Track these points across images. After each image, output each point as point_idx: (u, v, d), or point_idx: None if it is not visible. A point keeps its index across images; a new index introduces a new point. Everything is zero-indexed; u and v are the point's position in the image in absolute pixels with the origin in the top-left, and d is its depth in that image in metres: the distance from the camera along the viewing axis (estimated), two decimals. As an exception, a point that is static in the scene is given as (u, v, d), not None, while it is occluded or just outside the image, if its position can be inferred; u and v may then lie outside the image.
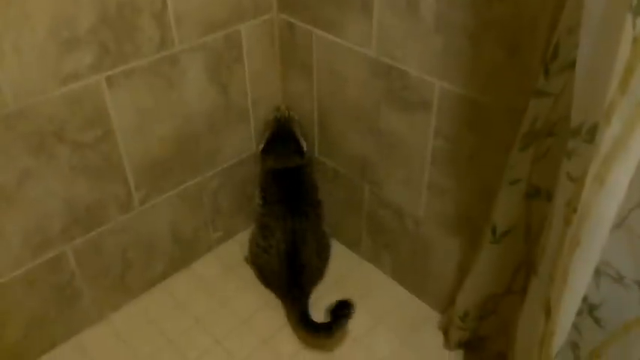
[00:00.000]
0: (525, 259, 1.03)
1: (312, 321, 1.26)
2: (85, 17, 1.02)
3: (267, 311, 1.37)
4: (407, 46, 1.08)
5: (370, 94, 1.22)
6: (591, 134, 0.68)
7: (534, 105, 0.84)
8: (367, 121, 1.26)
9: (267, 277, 1.42)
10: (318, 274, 1.43)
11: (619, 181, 0.65)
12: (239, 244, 1.55)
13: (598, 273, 0.79)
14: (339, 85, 1.28)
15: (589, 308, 0.84)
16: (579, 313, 0.83)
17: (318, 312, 1.28)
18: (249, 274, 1.46)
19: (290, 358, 1.27)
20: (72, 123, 1.09)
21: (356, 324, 1.32)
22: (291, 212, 1.33)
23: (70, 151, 1.11)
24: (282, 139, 1.37)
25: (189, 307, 1.38)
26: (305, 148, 1.37)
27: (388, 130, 1.23)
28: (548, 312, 0.82)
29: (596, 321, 0.84)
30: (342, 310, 1.22)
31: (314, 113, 1.40)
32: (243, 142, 1.45)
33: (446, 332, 1.29)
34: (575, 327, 0.86)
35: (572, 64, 0.73)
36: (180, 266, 1.48)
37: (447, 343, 1.28)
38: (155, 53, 1.15)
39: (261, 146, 1.37)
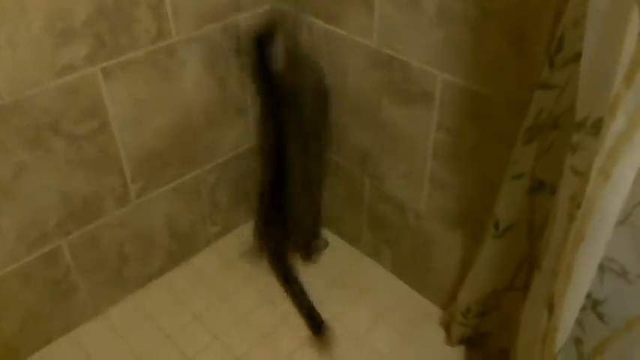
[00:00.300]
0: (528, 254, 1.02)
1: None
2: (81, 9, 1.01)
3: (267, 307, 1.36)
4: (409, 37, 1.07)
5: (371, 86, 1.20)
6: (596, 128, 0.67)
7: (539, 97, 0.82)
8: (368, 114, 1.25)
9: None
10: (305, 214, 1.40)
11: (624, 176, 0.64)
12: (237, 239, 1.53)
13: (602, 268, 0.78)
14: (340, 78, 1.26)
15: (593, 304, 0.83)
16: (583, 309, 0.82)
17: (316, 305, 1.27)
18: (248, 269, 1.45)
19: (289, 355, 1.25)
20: (68, 115, 1.08)
21: (356, 320, 1.32)
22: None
23: (66, 143, 1.10)
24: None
25: (187, 303, 1.37)
26: None
27: (389, 123, 1.21)
28: (551, 308, 0.80)
29: (600, 317, 0.82)
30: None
31: (314, 106, 1.38)
32: (242, 136, 1.43)
33: (447, 328, 1.28)
34: (579, 323, 0.84)
35: (577, 57, 0.72)
36: (178, 261, 1.46)
37: (449, 340, 1.27)
38: (152, 44, 1.13)
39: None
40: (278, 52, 1.21)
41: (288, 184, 1.29)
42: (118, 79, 1.11)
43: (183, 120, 1.28)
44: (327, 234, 1.56)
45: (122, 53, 1.09)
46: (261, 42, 1.22)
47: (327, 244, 1.50)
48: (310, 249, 1.33)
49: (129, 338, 1.29)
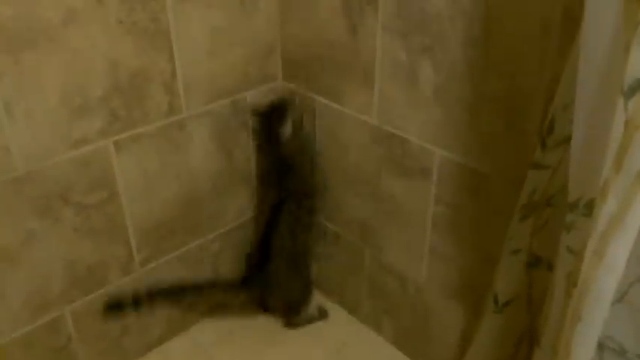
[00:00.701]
0: (528, 329, 1.02)
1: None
2: (97, 86, 1.06)
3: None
4: (407, 115, 1.12)
5: (371, 160, 1.24)
6: (589, 209, 0.69)
7: (532, 177, 0.85)
8: (368, 187, 1.28)
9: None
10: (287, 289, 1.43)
11: (617, 256, 0.66)
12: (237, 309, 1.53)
13: (601, 347, 0.79)
14: (341, 152, 1.31)
15: (594, 383, 0.82)
16: (584, 388, 0.82)
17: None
18: (244, 343, 1.44)
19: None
20: (78, 185, 1.11)
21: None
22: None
23: (75, 212, 1.13)
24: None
25: (185, 373, 1.36)
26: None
27: (389, 196, 1.24)
28: (552, 386, 0.80)
29: (602, 396, 0.82)
30: None
31: (315, 176, 1.42)
32: (245, 206, 1.46)
33: (448, 403, 1.26)
34: (581, 402, 0.84)
35: (567, 139, 0.75)
36: (178, 330, 1.45)
37: (450, 415, 1.25)
38: (163, 119, 1.18)
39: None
40: (284, 128, 1.31)
41: (276, 254, 1.36)
42: (129, 151, 1.16)
43: (190, 191, 1.31)
44: (326, 302, 1.56)
45: (134, 127, 1.14)
46: (270, 118, 1.31)
47: (325, 314, 1.50)
48: (292, 315, 1.40)
49: (126, 410, 1.27)
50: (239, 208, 1.45)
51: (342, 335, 1.46)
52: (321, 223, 1.47)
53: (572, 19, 0.79)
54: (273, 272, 1.37)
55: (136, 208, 1.22)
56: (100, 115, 1.08)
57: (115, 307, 1.26)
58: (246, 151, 1.39)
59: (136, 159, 1.18)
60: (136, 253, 1.27)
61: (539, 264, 0.94)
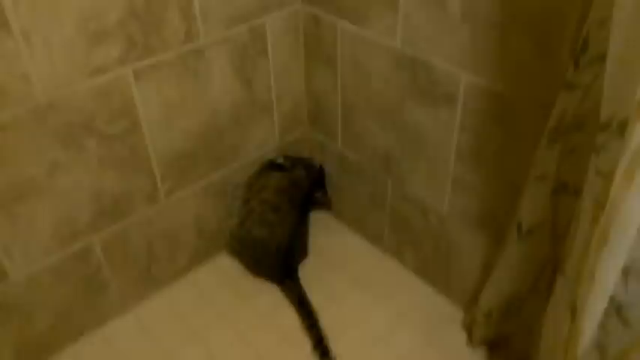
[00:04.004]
0: (551, 257, 1.01)
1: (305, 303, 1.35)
2: (113, 10, 1.04)
3: (289, 308, 1.38)
4: (433, 38, 1.07)
5: (394, 87, 1.21)
6: (621, 128, 0.66)
7: (563, 98, 0.82)
8: (391, 115, 1.25)
9: (255, 262, 1.44)
10: (305, 252, 1.50)
11: (650, 177, 0.63)
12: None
13: (626, 272, 0.77)
14: (363, 79, 1.27)
15: (617, 308, 0.82)
16: (606, 313, 0.81)
17: (337, 305, 1.28)
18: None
19: (312, 354, 1.27)
20: (100, 115, 1.11)
21: (377, 320, 1.32)
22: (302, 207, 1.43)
23: (98, 142, 1.13)
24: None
25: (213, 300, 1.40)
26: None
27: (412, 124, 1.21)
28: (574, 312, 0.80)
29: (624, 322, 0.81)
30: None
31: (338, 107, 1.39)
32: (267, 136, 1.46)
33: (469, 330, 1.28)
34: (602, 327, 0.84)
35: (602, 57, 0.71)
36: (205, 259, 1.49)
37: (470, 341, 1.27)
38: (181, 46, 1.16)
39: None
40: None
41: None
42: (148, 80, 1.14)
43: (211, 121, 1.31)
44: (349, 234, 1.57)
45: (153, 55, 1.12)
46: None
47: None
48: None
49: (156, 334, 1.32)
50: (261, 139, 1.45)
51: (364, 265, 1.48)
52: (344, 153, 1.46)
53: None
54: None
55: (158, 138, 1.22)
56: (117, 42, 1.07)
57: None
58: (266, 80, 1.37)
59: (156, 88, 1.17)
60: (160, 184, 1.28)
61: (565, 190, 0.92)
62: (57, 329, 1.26)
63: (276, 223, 1.37)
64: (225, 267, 1.49)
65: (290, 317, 1.35)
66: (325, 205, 1.59)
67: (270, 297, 1.40)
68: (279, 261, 1.39)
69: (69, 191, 1.14)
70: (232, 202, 1.46)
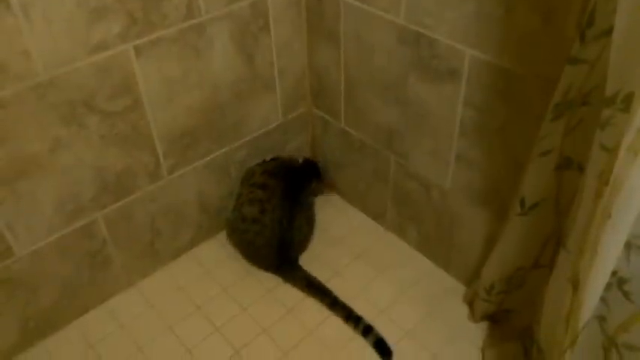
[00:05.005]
0: (554, 231, 1.02)
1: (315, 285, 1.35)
2: (112, -16, 1.03)
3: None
4: (437, 12, 1.06)
5: (398, 63, 1.20)
6: (627, 103, 0.66)
7: (568, 72, 0.81)
8: (394, 91, 1.25)
9: (252, 251, 1.41)
10: (305, 245, 1.46)
11: (654, 152, 0.63)
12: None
13: (629, 246, 0.78)
14: (366, 54, 1.26)
15: (618, 282, 0.82)
16: (608, 287, 0.82)
17: (340, 281, 1.29)
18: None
19: (315, 328, 1.28)
20: (101, 92, 1.11)
21: (380, 294, 1.33)
22: (290, 183, 1.39)
23: (100, 119, 1.13)
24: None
25: (216, 275, 1.41)
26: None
27: (416, 100, 1.21)
28: (576, 285, 0.81)
29: (626, 295, 0.82)
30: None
31: (340, 83, 1.38)
32: (269, 113, 1.45)
33: (471, 304, 1.29)
34: (604, 301, 0.85)
35: (608, 32, 0.71)
36: (208, 235, 1.50)
37: (472, 315, 1.28)
38: (182, 22, 1.15)
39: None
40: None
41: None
42: (149, 56, 1.14)
43: (213, 98, 1.30)
44: (351, 210, 1.58)
45: (153, 31, 1.11)
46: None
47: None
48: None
49: (161, 308, 1.34)
50: (263, 116, 1.44)
51: (367, 241, 1.49)
52: (346, 130, 1.46)
53: None
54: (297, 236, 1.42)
55: (160, 115, 1.22)
56: (117, 18, 1.06)
57: None
58: (268, 56, 1.35)
59: (157, 64, 1.16)
60: (162, 161, 1.28)
61: (569, 165, 0.92)
62: (62, 304, 1.27)
63: (265, 200, 1.34)
64: (229, 243, 1.50)
65: (294, 291, 1.36)
66: (322, 191, 1.59)
67: (273, 273, 1.42)
68: (275, 242, 1.35)
69: (71, 168, 1.14)
70: (235, 182, 1.47)
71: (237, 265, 1.44)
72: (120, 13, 1.05)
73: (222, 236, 1.52)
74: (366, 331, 1.25)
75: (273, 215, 1.34)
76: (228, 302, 1.34)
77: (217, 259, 1.46)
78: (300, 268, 1.39)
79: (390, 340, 1.24)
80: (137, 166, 1.24)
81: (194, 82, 1.24)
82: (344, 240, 1.50)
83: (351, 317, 1.27)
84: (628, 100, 0.65)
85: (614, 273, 0.80)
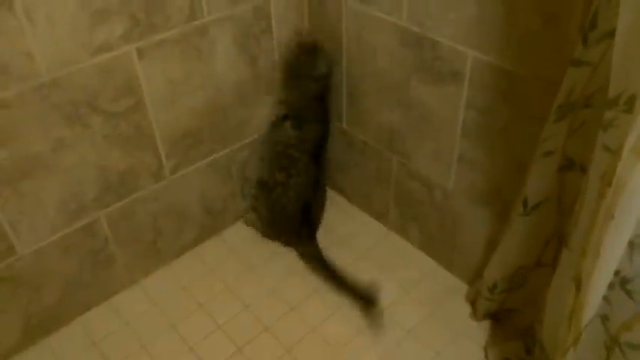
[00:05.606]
0: (557, 231, 1.02)
1: (328, 264, 1.38)
2: (115, -14, 1.03)
3: (295, 278, 1.40)
4: (439, 14, 1.06)
5: (400, 64, 1.20)
6: (629, 105, 0.67)
7: (571, 74, 0.82)
8: (397, 92, 1.25)
9: (276, 220, 1.45)
10: (322, 213, 1.51)
11: (657, 154, 0.64)
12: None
13: (632, 246, 0.78)
14: (368, 56, 1.27)
15: (621, 281, 0.83)
16: (611, 286, 0.82)
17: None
18: (275, 243, 1.49)
19: (318, 325, 1.29)
20: (104, 93, 1.11)
21: (383, 295, 1.34)
22: (318, 148, 1.40)
23: (103, 120, 1.13)
24: (311, 59, 1.36)
25: (219, 274, 1.42)
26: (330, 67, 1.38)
27: (418, 102, 1.21)
28: (578, 285, 0.81)
29: (629, 294, 0.83)
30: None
31: (343, 84, 1.39)
32: (271, 115, 1.45)
33: (473, 303, 1.30)
34: (606, 300, 0.85)
35: (611, 34, 0.71)
36: (210, 234, 1.51)
37: (474, 314, 1.29)
38: (184, 24, 1.15)
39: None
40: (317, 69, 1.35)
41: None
42: (152, 58, 1.14)
43: (215, 99, 1.30)
44: (354, 210, 1.58)
45: (156, 33, 1.12)
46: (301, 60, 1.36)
47: None
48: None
49: (163, 306, 1.34)
50: (266, 117, 1.44)
51: (369, 241, 1.50)
52: (348, 132, 1.46)
53: None
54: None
55: (163, 116, 1.22)
56: (120, 20, 1.06)
57: None
58: (270, 58, 1.36)
59: (160, 66, 1.16)
60: (165, 161, 1.28)
61: (572, 167, 0.92)
62: (65, 302, 1.27)
63: (290, 167, 1.38)
64: (231, 242, 1.50)
65: (297, 289, 1.37)
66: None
67: (277, 269, 1.42)
68: (300, 205, 1.40)
69: (74, 168, 1.14)
70: (237, 182, 1.47)
71: (240, 262, 1.44)
72: (123, 15, 1.06)
73: (225, 234, 1.52)
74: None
75: (299, 179, 1.38)
76: (231, 300, 1.35)
77: (220, 257, 1.46)
78: (317, 242, 1.43)
79: (393, 339, 1.24)
80: (140, 166, 1.25)
81: (197, 83, 1.25)
82: (347, 240, 1.50)
83: (361, 297, 1.31)
84: (631, 101, 0.66)
85: (617, 272, 0.81)
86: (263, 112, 1.43)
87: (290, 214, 1.41)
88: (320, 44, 1.35)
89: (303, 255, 1.43)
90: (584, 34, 0.78)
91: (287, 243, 1.47)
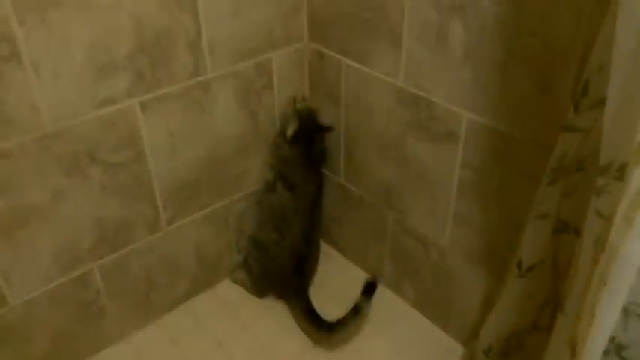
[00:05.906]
0: (552, 294, 1.02)
1: (317, 315, 1.35)
2: (123, 44, 1.06)
3: (287, 337, 1.37)
4: (435, 76, 1.09)
5: (397, 123, 1.23)
6: (620, 172, 0.68)
7: (563, 140, 0.83)
8: (393, 150, 1.27)
9: (268, 274, 1.44)
10: (315, 265, 1.51)
11: (648, 222, 0.64)
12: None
13: (626, 313, 0.78)
14: (366, 114, 1.30)
15: (616, 348, 0.82)
16: (606, 353, 0.81)
17: (337, 337, 1.27)
18: (269, 298, 1.47)
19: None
20: (105, 144, 1.13)
21: (377, 352, 1.31)
22: (312, 204, 1.41)
23: (102, 171, 1.15)
24: (307, 130, 1.37)
25: (210, 329, 1.39)
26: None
27: (414, 159, 1.23)
28: (573, 350, 0.80)
29: (624, 362, 0.82)
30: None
31: (341, 141, 1.41)
32: (268, 167, 1.47)
33: (468, 366, 1.27)
34: (603, 367, 0.84)
35: (602, 101, 0.73)
36: (203, 287, 1.49)
37: (470, 377, 1.26)
38: (188, 79, 1.18)
39: (289, 134, 1.35)
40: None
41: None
42: (154, 112, 1.16)
43: (215, 151, 1.32)
44: (349, 266, 1.57)
45: (160, 87, 1.15)
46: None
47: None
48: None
49: (153, 363, 1.31)
50: (263, 169, 1.46)
51: (363, 297, 1.48)
52: (346, 185, 1.47)
53: (610, -24, 0.75)
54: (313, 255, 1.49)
55: (162, 168, 1.24)
56: (125, 75, 1.09)
57: None
58: (270, 113, 1.39)
59: (162, 119, 1.18)
60: (162, 212, 1.29)
61: (566, 229, 0.93)
62: (54, 354, 1.24)
63: (284, 228, 1.39)
64: (224, 295, 1.48)
65: (290, 344, 1.35)
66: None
67: (269, 325, 1.40)
68: (292, 261, 1.39)
69: (71, 218, 1.14)
70: (234, 234, 1.47)
71: (232, 319, 1.42)
72: (129, 70, 1.09)
73: (218, 288, 1.50)
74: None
75: (293, 237, 1.39)
76: (222, 357, 1.32)
77: (212, 312, 1.44)
78: (308, 293, 1.41)
79: (386, 402, 1.21)
80: (136, 218, 1.25)
81: (197, 136, 1.27)
82: (341, 295, 1.47)
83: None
84: (622, 169, 0.67)
85: (612, 339, 0.80)
86: (261, 165, 1.44)
87: (283, 267, 1.41)
88: (314, 111, 1.39)
89: (293, 308, 1.41)
90: (575, 101, 0.80)
91: (279, 295, 1.46)
